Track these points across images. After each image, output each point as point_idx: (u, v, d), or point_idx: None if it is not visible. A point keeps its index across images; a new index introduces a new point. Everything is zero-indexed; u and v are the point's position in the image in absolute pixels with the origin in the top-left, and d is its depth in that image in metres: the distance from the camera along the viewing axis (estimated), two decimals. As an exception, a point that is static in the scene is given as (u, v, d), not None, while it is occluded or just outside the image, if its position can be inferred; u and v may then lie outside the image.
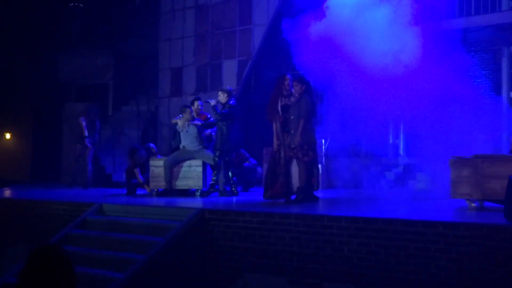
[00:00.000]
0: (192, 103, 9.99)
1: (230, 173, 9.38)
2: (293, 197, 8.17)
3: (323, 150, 11.51)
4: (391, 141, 11.89)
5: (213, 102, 9.37)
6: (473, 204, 7.02)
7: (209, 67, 13.60)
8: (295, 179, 8.13)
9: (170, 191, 9.61)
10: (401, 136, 11.77)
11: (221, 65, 13.37)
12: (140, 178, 10.19)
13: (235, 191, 9.48)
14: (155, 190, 9.83)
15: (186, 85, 13.95)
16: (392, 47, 8.72)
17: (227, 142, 9.13)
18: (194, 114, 9.80)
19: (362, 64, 8.75)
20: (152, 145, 10.76)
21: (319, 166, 11.30)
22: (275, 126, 8.19)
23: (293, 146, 7.95)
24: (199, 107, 9.91)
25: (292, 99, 8.18)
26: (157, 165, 9.80)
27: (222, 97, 9.28)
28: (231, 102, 9.24)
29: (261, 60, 13.45)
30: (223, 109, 9.22)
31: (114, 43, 16.02)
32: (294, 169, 8.13)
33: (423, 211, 7.06)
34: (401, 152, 11.65)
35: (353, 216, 6.19)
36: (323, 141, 11.25)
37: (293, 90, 8.19)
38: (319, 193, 9.59)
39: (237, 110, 9.36)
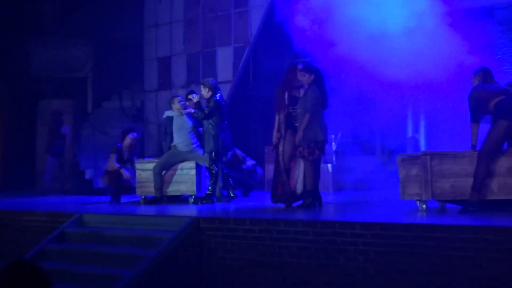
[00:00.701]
0: (186, 98, 9.91)
1: (225, 175, 9.39)
2: (299, 202, 8.18)
3: (334, 147, 11.51)
4: (410, 134, 11.88)
5: (196, 98, 9.30)
6: (424, 206, 7.28)
7: (201, 56, 13.58)
8: (300, 182, 8.12)
9: (160, 198, 9.60)
10: (422, 129, 11.76)
11: (215, 53, 13.35)
12: (114, 163, 10.03)
13: (233, 195, 9.48)
14: (143, 196, 9.82)
15: (176, 77, 13.94)
16: (410, 27, 8.70)
17: (217, 142, 9.08)
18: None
19: (376, 48, 8.73)
20: (134, 157, 10.59)
21: (329, 165, 11.37)
22: (278, 118, 8.16)
23: (297, 143, 7.92)
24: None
25: (302, 91, 8.16)
26: (144, 168, 9.78)
27: (204, 92, 9.20)
28: (216, 97, 9.15)
29: (260, 47, 13.42)
30: (208, 105, 9.13)
31: (93, 30, 15.99)
32: (298, 170, 8.11)
33: (448, 214, 7.06)
34: (421, 147, 11.64)
35: (368, 222, 6.18)
36: (332, 136, 11.24)
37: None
38: (329, 196, 9.54)
39: (224, 105, 9.28)
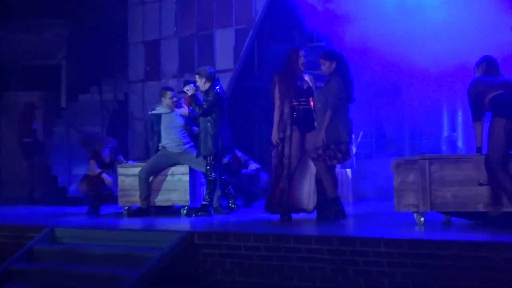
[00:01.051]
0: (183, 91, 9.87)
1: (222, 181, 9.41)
2: (312, 213, 8.18)
3: (354, 149, 11.49)
4: (446, 134, 11.85)
5: (191, 91, 9.25)
6: (422, 218, 7.41)
7: (196, 40, 13.60)
8: (307, 191, 8.12)
9: (147, 209, 9.60)
10: (459, 127, 11.73)
11: (212, 36, 13.36)
12: (95, 169, 10.15)
13: (234, 206, 9.46)
14: (126, 207, 9.82)
15: (166, 64, 13.96)
16: (446, 7, 8.65)
17: (216, 143, 9.04)
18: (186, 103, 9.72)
19: (404, 25, 8.68)
20: (120, 156, 10.60)
21: (348, 170, 11.35)
22: (281, 112, 8.12)
23: (320, 145, 7.88)
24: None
25: (305, 84, 8.15)
26: (128, 173, 9.78)
27: (201, 83, 9.18)
28: (216, 89, 9.14)
29: (267, 29, 13.41)
30: (206, 99, 9.09)
31: (68, 11, 16.01)
32: (305, 179, 8.10)
33: (490, 227, 7.01)
34: (460, 148, 11.62)
35: (395, 238, 6.17)
36: (353, 136, 11.23)
37: (307, 76, 8.16)
38: (348, 207, 9.51)
39: (225, 99, 9.26)
